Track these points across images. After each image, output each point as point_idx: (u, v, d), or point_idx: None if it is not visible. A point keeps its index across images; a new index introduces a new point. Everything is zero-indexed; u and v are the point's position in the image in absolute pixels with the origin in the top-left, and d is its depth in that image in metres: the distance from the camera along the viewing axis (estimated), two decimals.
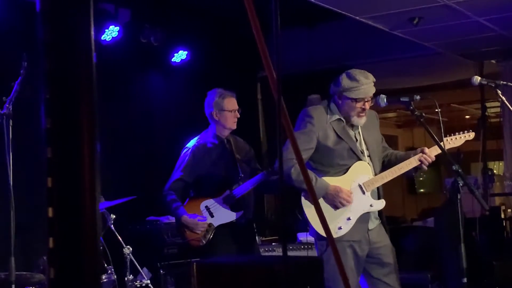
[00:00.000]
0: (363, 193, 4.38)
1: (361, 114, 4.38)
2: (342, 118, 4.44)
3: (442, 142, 4.14)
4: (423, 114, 3.94)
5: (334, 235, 4.31)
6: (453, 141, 4.64)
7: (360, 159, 4.42)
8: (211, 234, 4.82)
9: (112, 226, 5.39)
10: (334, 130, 4.42)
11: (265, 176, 4.80)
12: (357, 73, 4.38)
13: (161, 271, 6.11)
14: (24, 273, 4.48)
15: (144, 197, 6.00)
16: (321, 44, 8.14)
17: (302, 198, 4.42)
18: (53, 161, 0.89)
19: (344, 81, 4.37)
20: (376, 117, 4.68)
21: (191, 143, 5.05)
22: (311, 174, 4.38)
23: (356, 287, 4.31)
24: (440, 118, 3.96)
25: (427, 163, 4.41)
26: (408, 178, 4.33)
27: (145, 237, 6.30)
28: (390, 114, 12.33)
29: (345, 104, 4.40)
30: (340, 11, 6.03)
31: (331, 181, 4.39)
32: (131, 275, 5.41)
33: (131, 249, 5.41)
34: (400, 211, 12.00)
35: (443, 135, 3.98)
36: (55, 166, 0.90)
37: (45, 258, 4.71)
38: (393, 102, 4.17)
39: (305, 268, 2.33)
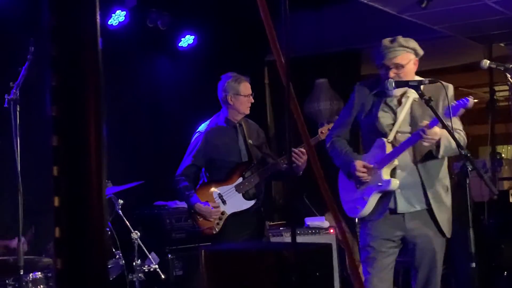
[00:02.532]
0: (377, 171, 4.18)
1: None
2: (384, 92, 4.23)
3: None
4: (431, 98, 3.91)
5: (353, 216, 4.37)
6: None
7: (383, 135, 4.18)
8: (224, 222, 4.81)
9: (120, 211, 5.40)
10: (372, 103, 4.27)
11: (279, 167, 4.80)
12: (386, 38, 4.26)
13: (169, 256, 6.13)
14: (32, 257, 4.50)
15: (151, 182, 6.01)
16: (328, 27, 8.10)
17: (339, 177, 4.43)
18: (59, 150, 0.88)
19: (374, 51, 4.27)
20: (445, 91, 4.12)
21: (203, 127, 5.01)
22: (342, 148, 4.35)
23: (380, 269, 4.15)
24: (449, 102, 3.95)
25: (426, 140, 4.01)
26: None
27: (153, 222, 6.31)
28: None
29: (381, 72, 4.23)
30: None
31: (362, 158, 4.26)
32: (139, 260, 5.42)
33: (139, 234, 5.42)
34: None
35: (451, 118, 3.94)
36: (61, 154, 0.88)
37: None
38: (402, 86, 4.13)
39: (315, 254, 2.32)
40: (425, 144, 4.03)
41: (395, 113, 4.20)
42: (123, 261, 5.27)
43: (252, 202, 4.82)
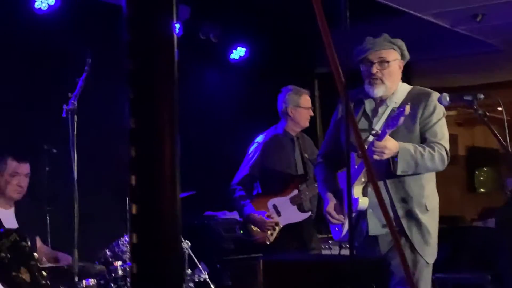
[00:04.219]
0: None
1: (371, 80, 3.71)
2: (364, 98, 3.81)
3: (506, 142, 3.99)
4: (487, 113, 3.83)
5: (336, 239, 3.95)
6: None
7: (355, 149, 3.60)
8: (277, 233, 4.83)
9: None
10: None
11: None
12: (366, 38, 3.84)
13: (218, 266, 6.16)
14: (86, 264, 4.58)
15: (202, 192, 6.06)
16: None
17: None
18: (136, 160, 0.92)
19: (354, 50, 3.81)
20: (424, 100, 3.74)
21: (261, 138, 5.05)
22: (321, 175, 4.01)
23: None
24: (504, 117, 3.80)
25: (374, 154, 3.58)
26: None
27: (203, 232, 6.36)
28: (450, 112, 12.10)
29: (361, 73, 3.80)
30: (401, 8, 5.97)
31: (338, 177, 3.96)
32: (189, 270, 5.47)
33: (189, 243, 5.47)
34: (459, 210, 11.80)
35: (507, 135, 3.84)
36: (138, 164, 0.93)
37: (106, 250, 4.81)
38: (456, 100, 4.05)
39: (371, 267, 2.32)
40: (376, 157, 3.55)
41: (371, 124, 3.77)
42: None
43: (306, 215, 4.83)
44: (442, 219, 5.12)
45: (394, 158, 3.59)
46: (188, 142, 6.91)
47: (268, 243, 4.82)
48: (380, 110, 3.76)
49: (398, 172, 3.59)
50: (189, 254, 5.45)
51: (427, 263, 3.70)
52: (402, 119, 3.49)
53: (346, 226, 3.77)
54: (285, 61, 7.75)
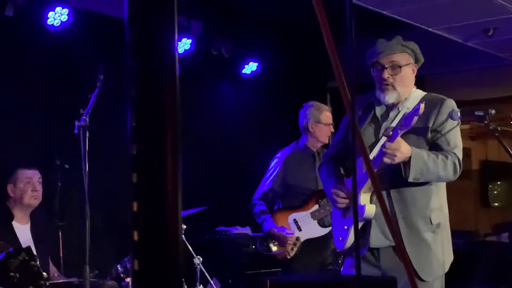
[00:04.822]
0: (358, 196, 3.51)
1: (382, 86, 3.52)
2: (376, 102, 3.62)
3: None
4: (498, 128, 3.81)
5: (339, 248, 3.69)
6: None
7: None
8: (298, 248, 4.83)
9: (183, 235, 5.46)
10: (359, 117, 3.67)
11: None
12: (378, 40, 3.68)
13: (230, 281, 6.15)
14: (98, 279, 4.59)
15: (214, 207, 6.06)
16: None
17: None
18: (138, 157, 0.94)
19: (366, 53, 3.68)
20: (438, 106, 3.54)
21: (282, 153, 5.08)
22: (330, 172, 3.79)
23: None
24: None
25: (385, 157, 3.36)
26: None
27: (215, 247, 6.35)
28: (463, 126, 12.05)
29: (373, 78, 3.62)
30: (413, 23, 5.96)
31: (346, 182, 3.69)
32: (201, 285, 5.46)
33: (201, 259, 5.46)
34: (473, 225, 11.72)
35: None
36: (141, 162, 0.94)
37: (118, 266, 4.81)
38: (467, 116, 4.01)
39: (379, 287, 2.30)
40: (386, 160, 3.33)
41: (379, 129, 3.59)
42: (186, 287, 5.31)
43: (327, 230, 4.82)
44: (456, 234, 5.06)
45: (405, 163, 3.36)
46: (200, 157, 6.94)
47: (288, 257, 4.82)
48: (391, 114, 3.59)
49: (410, 179, 3.38)
50: (201, 270, 5.45)
51: (424, 281, 3.43)
52: (415, 119, 3.30)
53: (351, 236, 3.55)
54: (297, 75, 7.75)
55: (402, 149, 3.32)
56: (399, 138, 3.33)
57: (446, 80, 8.32)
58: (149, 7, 0.98)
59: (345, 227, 3.59)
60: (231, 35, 7.02)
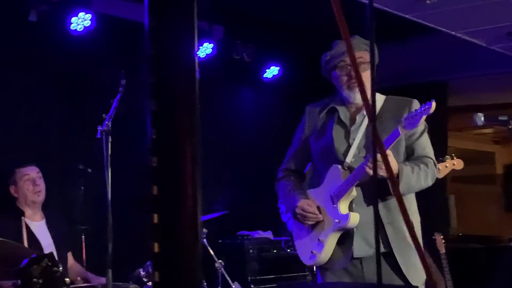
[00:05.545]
0: (333, 205, 3.41)
1: (352, 84, 3.42)
2: (338, 106, 3.51)
3: None
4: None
5: (309, 263, 3.56)
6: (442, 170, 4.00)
7: (337, 161, 3.42)
8: None
9: (204, 240, 5.47)
10: (323, 123, 3.56)
11: None
12: (336, 42, 3.56)
13: (252, 286, 6.15)
14: (120, 283, 4.61)
15: (235, 211, 6.06)
16: (414, 58, 8.02)
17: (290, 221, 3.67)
18: (158, 170, 0.94)
19: (323, 57, 3.60)
20: (407, 108, 3.41)
21: None
22: (287, 186, 3.63)
23: None
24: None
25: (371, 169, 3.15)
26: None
27: (236, 252, 6.35)
28: (487, 130, 11.98)
29: (334, 80, 3.53)
30: (436, 27, 5.93)
31: (310, 194, 3.56)
32: None
33: (223, 263, 5.47)
34: (496, 229, 11.61)
35: None
36: (160, 174, 0.94)
37: (140, 270, 4.83)
38: (491, 121, 3.98)
39: None
40: (369, 172, 3.20)
41: (349, 133, 3.46)
42: None
43: None
44: (479, 239, 5.03)
45: (391, 178, 3.07)
46: (222, 162, 6.95)
47: None
48: (358, 118, 3.47)
49: (400, 194, 3.21)
50: (222, 274, 5.46)
51: (414, 287, 3.35)
52: (423, 118, 3.20)
53: (327, 248, 3.40)
54: (318, 80, 7.73)
55: (392, 162, 3.19)
56: (388, 151, 3.21)
57: (469, 85, 8.26)
58: (169, 20, 0.99)
59: (319, 239, 3.44)
60: (252, 40, 7.03)
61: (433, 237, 6.10)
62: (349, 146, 3.42)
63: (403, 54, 8.07)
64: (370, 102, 1.36)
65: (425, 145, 3.46)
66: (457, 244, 7.84)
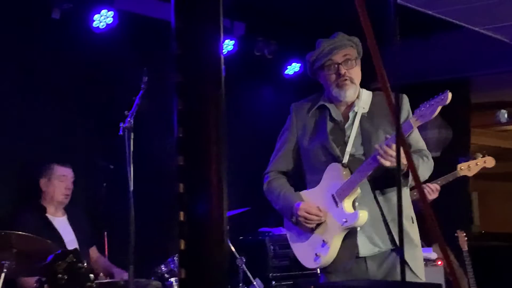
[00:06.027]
0: (336, 205, 3.34)
1: (340, 82, 3.38)
2: (328, 104, 3.46)
3: None
4: None
5: (313, 266, 3.46)
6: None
7: (336, 160, 3.36)
8: None
9: None
10: (314, 122, 3.50)
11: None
12: (320, 41, 3.54)
13: (273, 283, 6.15)
14: (142, 280, 4.63)
15: (257, 208, 6.06)
16: (437, 54, 7.97)
17: (284, 223, 3.61)
18: (184, 168, 0.94)
19: (308, 57, 3.55)
20: (402, 104, 3.40)
21: None
22: (281, 188, 3.57)
23: None
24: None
25: (387, 160, 3.12)
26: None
27: (257, 248, 6.35)
28: (510, 127, 11.88)
29: (322, 80, 3.48)
30: (458, 22, 5.88)
31: (305, 195, 3.48)
32: (244, 286, 5.47)
33: (244, 259, 5.47)
34: None
35: None
36: (186, 173, 0.94)
37: (162, 266, 4.85)
38: None
39: None
40: (386, 164, 3.13)
41: (343, 131, 3.41)
42: (229, 287, 5.33)
43: None
44: (502, 237, 4.98)
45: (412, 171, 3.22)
46: (243, 158, 6.95)
47: None
48: (351, 114, 3.43)
49: (407, 186, 3.28)
50: (244, 270, 5.46)
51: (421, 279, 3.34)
52: (439, 109, 3.13)
53: (332, 250, 3.34)
54: None
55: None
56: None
57: (492, 81, 8.18)
58: (195, 20, 0.99)
59: (323, 240, 3.36)
60: (273, 36, 7.02)
61: (456, 234, 6.06)
62: (344, 144, 3.37)
63: (425, 50, 8.02)
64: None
65: (418, 138, 3.44)
66: (479, 242, 7.78)
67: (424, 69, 7.95)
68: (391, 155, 3.11)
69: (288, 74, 7.43)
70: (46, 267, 2.00)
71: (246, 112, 7.17)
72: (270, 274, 6.19)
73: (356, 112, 3.41)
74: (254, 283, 5.59)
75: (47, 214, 4.92)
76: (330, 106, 3.47)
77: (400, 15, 1.60)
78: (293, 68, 7.40)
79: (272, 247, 6.34)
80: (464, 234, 6.10)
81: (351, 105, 3.45)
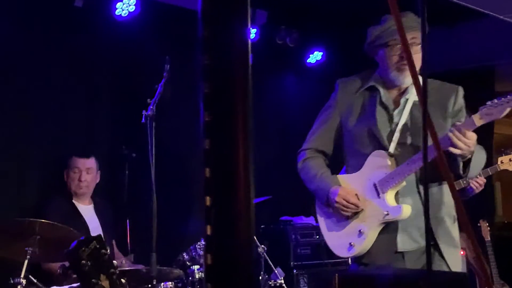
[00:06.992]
0: (378, 195, 3.19)
1: (403, 66, 3.17)
2: (379, 86, 3.28)
3: None
4: None
5: (345, 255, 3.34)
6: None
7: (381, 147, 3.18)
8: None
9: None
10: (362, 103, 3.31)
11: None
12: (386, 17, 3.27)
13: (294, 271, 6.15)
14: (164, 268, 4.65)
15: (278, 197, 6.05)
16: (462, 43, 7.88)
17: (316, 207, 3.46)
18: (210, 153, 0.94)
19: (371, 30, 3.33)
20: (454, 94, 3.26)
21: None
22: (318, 169, 3.40)
23: None
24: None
25: (461, 146, 2.94)
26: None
27: (279, 237, 6.36)
28: None
29: (380, 59, 3.29)
30: (483, 10, 5.81)
31: (344, 180, 3.31)
32: (265, 274, 5.47)
33: (265, 248, 5.48)
34: None
35: None
36: (213, 157, 0.94)
37: (184, 254, 4.86)
38: None
39: (450, 284, 2.25)
40: (457, 152, 2.96)
41: (391, 117, 3.24)
42: None
43: None
44: None
45: (459, 158, 2.99)
46: (265, 147, 6.94)
47: None
48: (402, 101, 3.24)
49: (468, 177, 3.24)
50: (265, 259, 5.47)
51: None
52: (507, 110, 2.98)
53: (368, 240, 3.22)
54: (361, 65, 7.65)
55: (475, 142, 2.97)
56: (470, 133, 2.98)
57: None
58: (223, 3, 0.98)
59: (360, 230, 3.23)
60: (295, 25, 6.99)
61: (478, 224, 6.02)
62: (391, 132, 3.21)
63: (450, 39, 7.93)
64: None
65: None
66: (502, 232, 7.73)
67: (448, 58, 7.87)
68: (465, 142, 2.95)
69: (310, 63, 7.40)
70: (69, 253, 2.01)
71: (268, 100, 7.15)
72: (292, 263, 6.19)
73: (407, 99, 3.24)
74: (276, 271, 5.59)
75: (73, 201, 4.97)
76: (381, 89, 3.29)
77: (427, 3, 1.58)
78: (315, 56, 7.37)
79: (293, 236, 6.34)
80: (487, 224, 6.05)
81: (403, 92, 3.28)
